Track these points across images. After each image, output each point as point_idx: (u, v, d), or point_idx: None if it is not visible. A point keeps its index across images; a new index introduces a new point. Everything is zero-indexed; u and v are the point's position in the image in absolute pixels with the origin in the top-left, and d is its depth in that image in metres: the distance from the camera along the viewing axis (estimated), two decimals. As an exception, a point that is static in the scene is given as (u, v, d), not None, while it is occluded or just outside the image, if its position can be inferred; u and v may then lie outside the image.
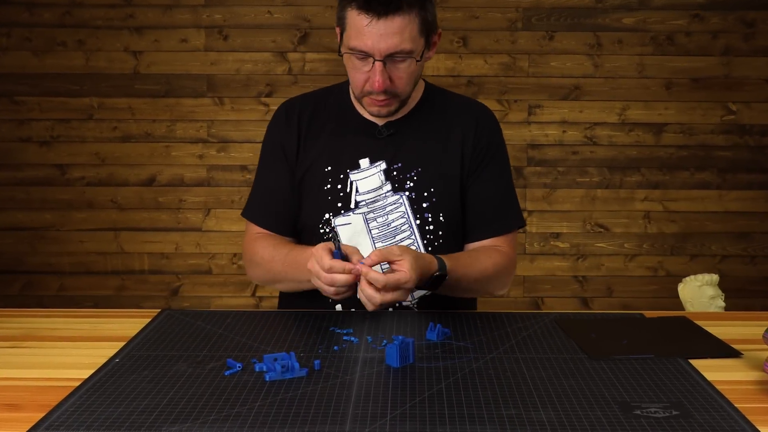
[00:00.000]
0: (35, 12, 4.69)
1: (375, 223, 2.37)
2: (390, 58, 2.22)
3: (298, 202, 2.45)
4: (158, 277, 4.88)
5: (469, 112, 2.48)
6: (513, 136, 4.72)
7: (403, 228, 2.37)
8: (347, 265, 2.07)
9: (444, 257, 2.24)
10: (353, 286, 2.13)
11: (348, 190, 2.39)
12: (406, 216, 2.37)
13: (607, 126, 4.78)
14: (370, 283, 2.07)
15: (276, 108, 2.56)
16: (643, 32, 4.72)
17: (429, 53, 2.35)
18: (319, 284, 2.14)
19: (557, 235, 4.84)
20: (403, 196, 2.37)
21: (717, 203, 4.83)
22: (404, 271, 2.06)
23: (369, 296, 2.07)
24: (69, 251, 4.84)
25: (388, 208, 2.37)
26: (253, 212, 2.53)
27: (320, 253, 2.10)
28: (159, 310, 2.23)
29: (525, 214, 4.72)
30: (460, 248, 2.45)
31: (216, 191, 4.80)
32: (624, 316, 2.23)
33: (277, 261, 2.39)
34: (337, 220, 2.38)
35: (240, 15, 4.71)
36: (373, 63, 2.22)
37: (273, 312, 2.23)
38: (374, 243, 2.37)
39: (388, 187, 2.38)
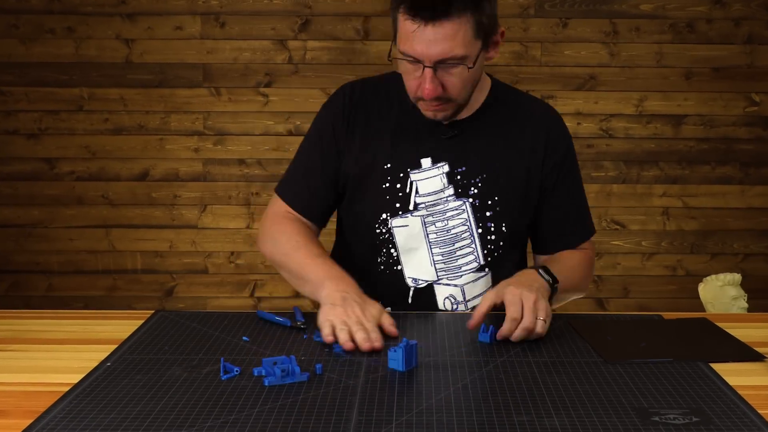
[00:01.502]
0: (22, -2, 4.70)
1: (433, 228, 2.35)
2: (441, 64, 2.17)
3: (353, 199, 2.43)
4: (152, 277, 4.88)
5: (539, 116, 2.46)
6: (525, 128, 4.71)
7: (463, 236, 2.36)
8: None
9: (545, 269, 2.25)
10: None
11: (408, 190, 2.37)
12: (467, 224, 2.36)
13: (623, 118, 4.78)
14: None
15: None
16: (662, 19, 4.72)
17: (491, 53, 2.30)
18: (341, 336, 2.01)
19: (571, 233, 4.83)
20: (467, 203, 2.36)
21: (739, 199, 4.83)
22: (486, 294, 2.08)
23: (515, 337, 2.02)
24: (58, 249, 4.85)
25: (448, 213, 2.35)
26: (286, 190, 2.49)
27: (367, 318, 2.05)
28: (152, 312, 2.23)
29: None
30: (519, 259, 2.49)
31: (212, 186, 4.80)
32: (641, 317, 2.23)
33: (301, 254, 2.33)
34: (394, 222, 2.36)
35: (237, 1, 4.70)
36: (423, 69, 2.19)
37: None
38: (431, 248, 2.36)
39: (451, 191, 2.36)
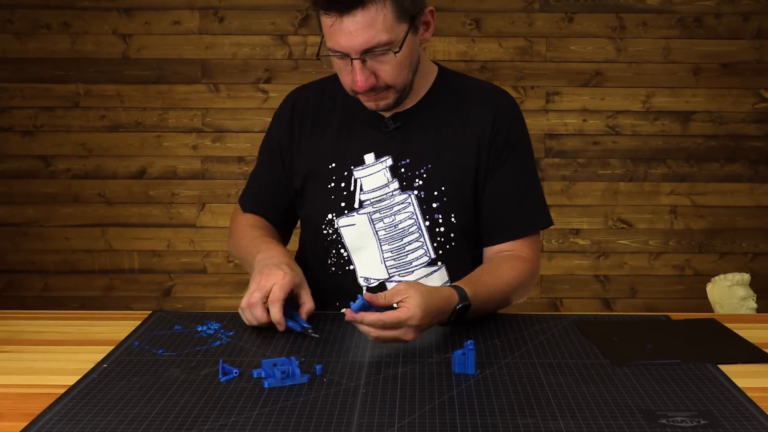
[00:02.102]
0: (17, -8, 4.70)
1: (381, 224, 2.35)
2: (369, 54, 2.18)
3: (300, 201, 2.46)
4: (149, 277, 4.88)
5: (487, 99, 2.43)
6: (529, 125, 4.63)
7: (411, 230, 2.34)
8: (279, 324, 2.07)
9: (463, 283, 2.14)
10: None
11: (352, 188, 2.37)
12: (414, 217, 2.34)
13: (630, 114, 4.78)
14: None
15: (279, 92, 2.56)
16: (669, 14, 4.72)
17: (424, 34, 2.32)
18: (248, 316, 2.11)
19: (577, 232, 4.84)
20: (412, 195, 2.34)
21: (748, 197, 4.83)
22: (407, 307, 1.94)
23: (365, 332, 1.96)
24: (53, 249, 4.85)
25: (395, 208, 2.34)
26: (244, 199, 2.58)
27: (267, 292, 2.09)
28: (150, 312, 2.23)
29: (542, 209, 4.71)
30: (473, 253, 2.41)
31: (211, 184, 4.81)
32: (648, 318, 2.23)
33: (244, 237, 2.43)
34: (341, 221, 2.36)
35: (236, -5, 4.72)
36: (352, 62, 2.19)
37: (272, 314, 2.23)
38: (381, 245, 2.35)
39: (395, 185, 2.35)
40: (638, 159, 4.80)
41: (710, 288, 4.00)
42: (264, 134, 2.55)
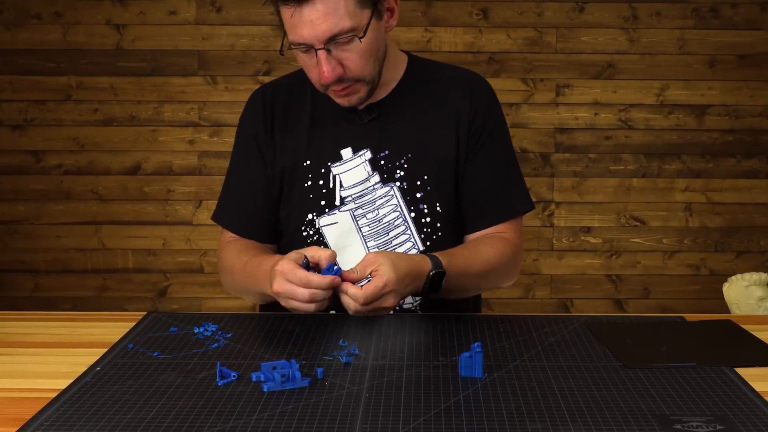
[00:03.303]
0: (7, -19, 4.70)
1: (365, 220, 2.35)
2: (333, 43, 2.19)
3: (278, 204, 2.45)
4: (144, 276, 4.89)
5: (461, 84, 2.44)
6: (539, 119, 4.72)
7: (396, 223, 2.35)
8: (326, 278, 2.03)
9: (438, 254, 2.21)
10: (332, 295, 2.09)
11: (331, 185, 2.37)
12: (399, 209, 2.35)
13: (643, 108, 4.77)
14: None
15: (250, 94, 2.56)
16: (684, 3, 4.71)
17: (389, 22, 2.32)
18: (294, 304, 2.08)
19: (588, 230, 4.84)
20: (394, 187, 2.35)
21: (766, 194, 4.83)
22: (380, 274, 2.04)
23: (354, 310, 2.06)
24: (44, 247, 4.85)
25: (378, 202, 2.35)
26: (223, 216, 2.54)
27: (287, 267, 2.06)
28: (145, 313, 2.23)
29: (552, 206, 4.72)
30: (461, 241, 2.43)
31: (208, 180, 4.81)
32: (662, 319, 2.23)
33: (237, 271, 2.39)
34: (322, 220, 2.37)
35: (234, -16, 4.72)
36: (317, 53, 2.20)
37: (271, 315, 2.23)
38: (366, 242, 2.36)
39: (376, 178, 2.36)
40: (652, 154, 4.80)
41: (727, 288, 4.00)
42: (234, 143, 2.54)
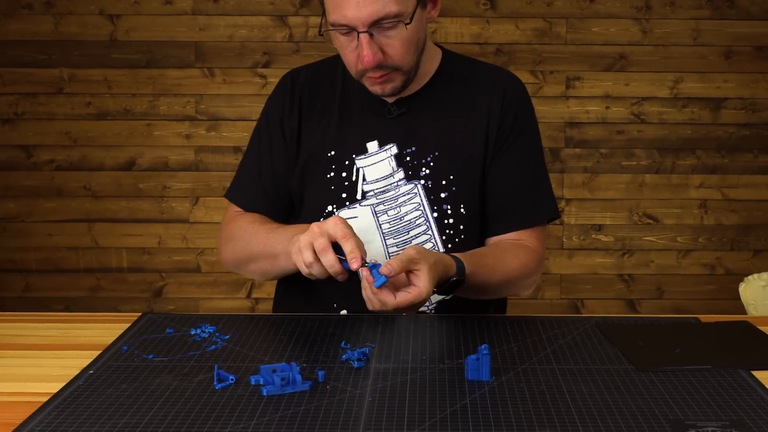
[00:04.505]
0: (-3, -30, 4.70)
1: (385, 217, 2.35)
2: (377, 28, 2.19)
3: (299, 193, 2.45)
4: (139, 276, 4.89)
5: (495, 83, 2.44)
6: (548, 112, 4.72)
7: (418, 222, 2.35)
8: (363, 272, 2.04)
9: (465, 258, 2.20)
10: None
11: (354, 178, 2.38)
12: (421, 208, 2.35)
13: (657, 101, 4.77)
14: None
15: (279, 77, 2.55)
16: (699, -8, 4.72)
17: (431, 12, 2.32)
18: (302, 256, 2.07)
19: (599, 228, 4.84)
20: (418, 185, 2.35)
21: (785, 190, 4.84)
22: (419, 287, 2.03)
23: (374, 308, 2.08)
24: (35, 246, 4.86)
25: (400, 199, 2.35)
26: (238, 194, 2.53)
27: (342, 226, 2.06)
28: (140, 314, 2.23)
29: (562, 204, 4.72)
30: (483, 245, 2.43)
31: (205, 176, 4.81)
32: (676, 320, 2.23)
33: (250, 232, 2.38)
34: (342, 214, 2.36)
35: (232, -27, 4.72)
36: (358, 36, 2.20)
37: (271, 316, 2.23)
38: (385, 239, 2.36)
39: (401, 174, 2.36)
40: (665, 149, 4.80)
41: (743, 288, 3.99)
42: (256, 121, 2.55)
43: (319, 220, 2.34)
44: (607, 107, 4.75)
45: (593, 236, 4.84)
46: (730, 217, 4.84)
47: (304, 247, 2.07)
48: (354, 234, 2.06)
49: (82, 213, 4.83)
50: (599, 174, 4.79)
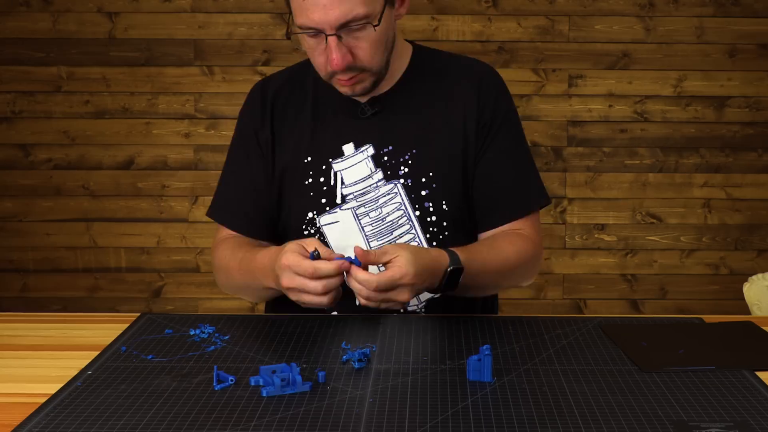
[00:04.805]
0: (-6, -33, 4.70)
1: (367, 219, 2.34)
2: (345, 30, 2.18)
3: (278, 202, 2.44)
4: (137, 276, 4.89)
5: (469, 75, 2.43)
6: (551, 111, 4.72)
7: (400, 222, 2.34)
8: (333, 263, 2.02)
9: (456, 249, 2.20)
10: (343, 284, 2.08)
11: (332, 182, 2.37)
12: (403, 207, 2.34)
13: (660, 100, 4.77)
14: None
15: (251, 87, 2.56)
16: (703, -10, 4.72)
17: (399, 9, 2.30)
18: (307, 298, 2.06)
19: (602, 227, 4.84)
20: (398, 184, 2.34)
21: (789, 190, 4.83)
22: (398, 266, 2.02)
23: (366, 296, 2.04)
24: (33, 245, 4.86)
25: (381, 200, 2.34)
26: (219, 212, 2.53)
27: (293, 260, 2.03)
28: (138, 314, 2.24)
29: (564, 203, 4.72)
30: (468, 242, 2.39)
31: (204, 175, 4.81)
32: (680, 321, 2.23)
33: (233, 268, 2.37)
34: (323, 219, 2.36)
35: (232, -30, 4.72)
36: (326, 39, 2.19)
37: (271, 316, 2.23)
38: (368, 242, 2.35)
39: (380, 174, 2.35)
40: (669, 148, 4.79)
41: (747, 288, 3.99)
42: (232, 137, 2.54)
43: (300, 228, 2.38)
44: (610, 106, 4.75)
45: (596, 236, 4.84)
46: (734, 217, 4.84)
47: (295, 293, 2.08)
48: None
49: (80, 212, 4.83)
50: (602, 173, 4.79)
